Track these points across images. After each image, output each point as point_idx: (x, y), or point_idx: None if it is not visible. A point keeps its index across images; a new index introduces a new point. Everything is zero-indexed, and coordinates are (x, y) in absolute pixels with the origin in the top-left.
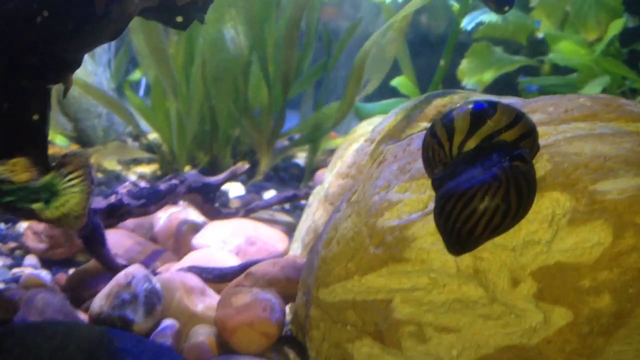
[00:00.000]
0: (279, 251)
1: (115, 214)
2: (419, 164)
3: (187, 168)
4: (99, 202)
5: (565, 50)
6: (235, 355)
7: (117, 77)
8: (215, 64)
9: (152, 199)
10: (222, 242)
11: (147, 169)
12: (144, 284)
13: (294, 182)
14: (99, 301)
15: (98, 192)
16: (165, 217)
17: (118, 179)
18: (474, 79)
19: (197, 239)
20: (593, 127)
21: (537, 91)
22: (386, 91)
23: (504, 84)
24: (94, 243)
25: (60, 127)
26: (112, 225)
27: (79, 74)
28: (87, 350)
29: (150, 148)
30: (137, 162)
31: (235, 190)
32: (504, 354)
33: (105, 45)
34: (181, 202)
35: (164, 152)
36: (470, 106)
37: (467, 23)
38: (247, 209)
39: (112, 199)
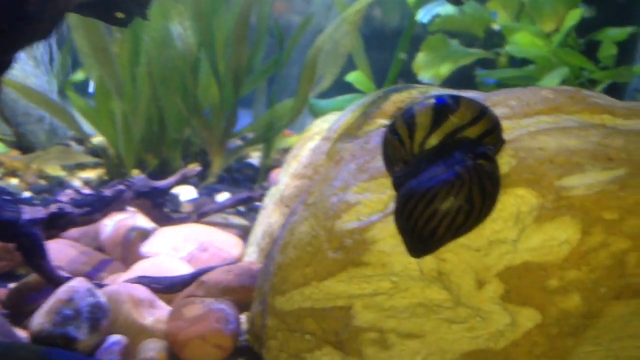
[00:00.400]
0: (233, 257)
1: (57, 224)
2: (379, 162)
3: (135, 172)
4: (38, 212)
5: (522, 41)
6: None
7: (60, 78)
8: (162, 61)
9: (97, 206)
10: (172, 249)
11: (92, 174)
12: (87, 299)
13: (248, 183)
14: (39, 318)
15: (40, 200)
16: (112, 224)
17: (62, 185)
18: (431, 72)
19: (146, 247)
20: (557, 121)
21: (495, 84)
22: (342, 87)
23: (462, 78)
24: (33, 255)
25: None
26: (54, 235)
27: (19, 76)
28: None
29: (96, 152)
30: (82, 166)
31: (186, 193)
32: (469, 358)
33: (46, 45)
34: (129, 208)
35: (111, 155)
36: (433, 101)
37: (422, 16)
38: (200, 213)
39: (53, 208)
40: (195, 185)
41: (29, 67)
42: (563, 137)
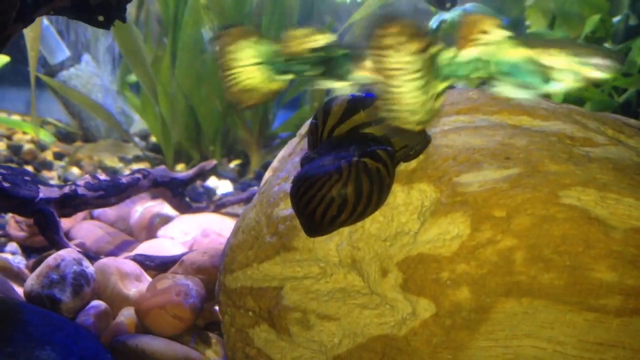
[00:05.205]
0: None
1: (70, 204)
2: None
3: (180, 166)
4: (53, 192)
5: None
6: (143, 335)
7: (122, 79)
8: (198, 64)
9: (112, 191)
10: (184, 234)
11: (144, 166)
12: (72, 267)
13: None
14: (31, 280)
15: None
16: (140, 210)
17: (115, 174)
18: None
19: (162, 231)
20: (473, 120)
21: None
22: None
23: None
24: (47, 229)
25: (72, 126)
26: (68, 214)
27: (83, 76)
28: None
29: (156, 147)
30: (139, 159)
31: (223, 187)
32: (376, 343)
33: (109, 48)
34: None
35: (163, 150)
36: (354, 94)
37: (433, 22)
38: (218, 204)
39: (67, 189)
40: (233, 181)
41: (93, 68)
42: (471, 136)
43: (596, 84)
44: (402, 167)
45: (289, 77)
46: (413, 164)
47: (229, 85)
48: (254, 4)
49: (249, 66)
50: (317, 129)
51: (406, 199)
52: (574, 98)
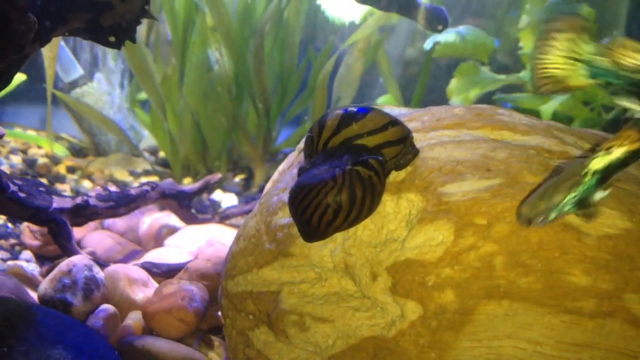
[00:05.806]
0: None
1: (82, 214)
2: None
3: (187, 180)
4: (65, 202)
5: None
6: (149, 336)
7: (132, 96)
8: (205, 83)
9: (121, 202)
10: (189, 244)
11: (152, 180)
12: (83, 272)
13: None
14: (44, 285)
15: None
16: (148, 221)
17: (125, 187)
18: (461, 97)
19: (169, 241)
20: (458, 135)
21: (512, 108)
22: None
23: (488, 102)
24: (60, 237)
25: (84, 141)
26: (80, 223)
27: (95, 93)
28: (9, 319)
29: (165, 162)
30: (149, 173)
31: (228, 201)
32: (368, 344)
33: (120, 67)
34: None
35: (171, 164)
36: (347, 109)
37: (427, 43)
38: (222, 216)
39: (79, 200)
40: (238, 194)
41: (104, 86)
42: (456, 149)
43: (585, 102)
44: (392, 178)
45: (593, 81)
46: (402, 174)
47: (539, 68)
48: (258, 25)
49: (566, 58)
50: (312, 141)
51: (395, 208)
52: (563, 115)
